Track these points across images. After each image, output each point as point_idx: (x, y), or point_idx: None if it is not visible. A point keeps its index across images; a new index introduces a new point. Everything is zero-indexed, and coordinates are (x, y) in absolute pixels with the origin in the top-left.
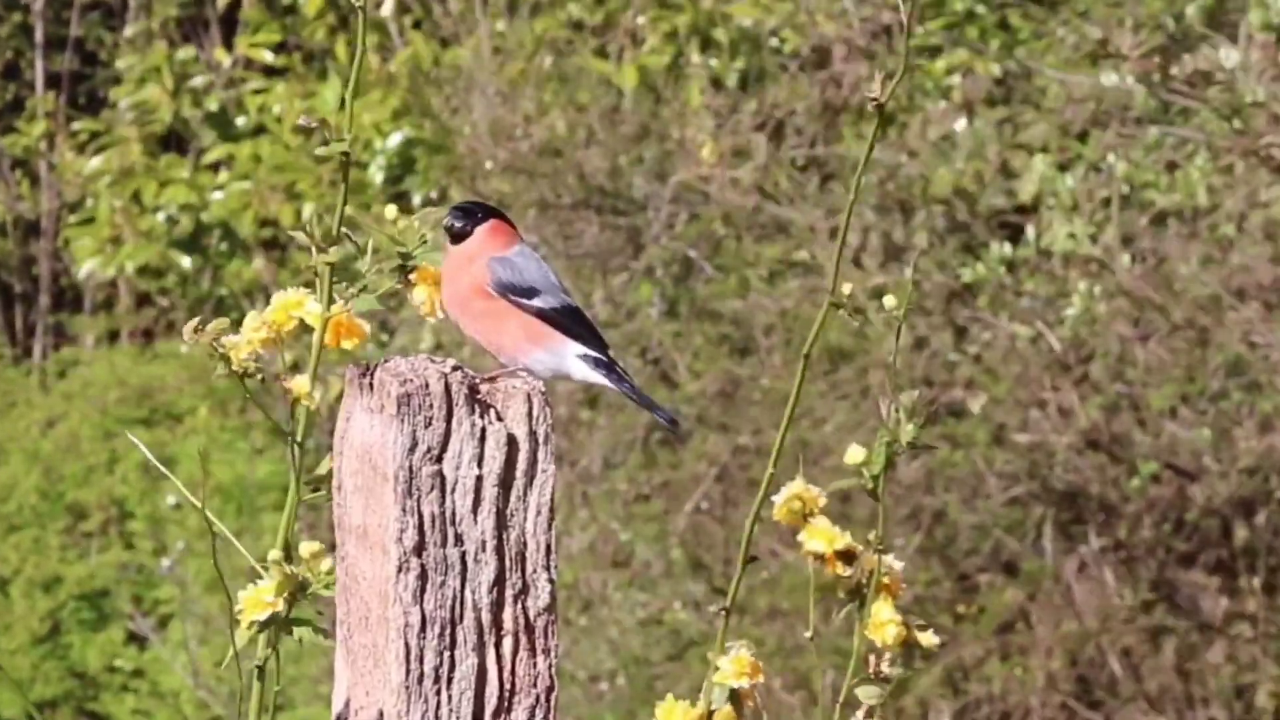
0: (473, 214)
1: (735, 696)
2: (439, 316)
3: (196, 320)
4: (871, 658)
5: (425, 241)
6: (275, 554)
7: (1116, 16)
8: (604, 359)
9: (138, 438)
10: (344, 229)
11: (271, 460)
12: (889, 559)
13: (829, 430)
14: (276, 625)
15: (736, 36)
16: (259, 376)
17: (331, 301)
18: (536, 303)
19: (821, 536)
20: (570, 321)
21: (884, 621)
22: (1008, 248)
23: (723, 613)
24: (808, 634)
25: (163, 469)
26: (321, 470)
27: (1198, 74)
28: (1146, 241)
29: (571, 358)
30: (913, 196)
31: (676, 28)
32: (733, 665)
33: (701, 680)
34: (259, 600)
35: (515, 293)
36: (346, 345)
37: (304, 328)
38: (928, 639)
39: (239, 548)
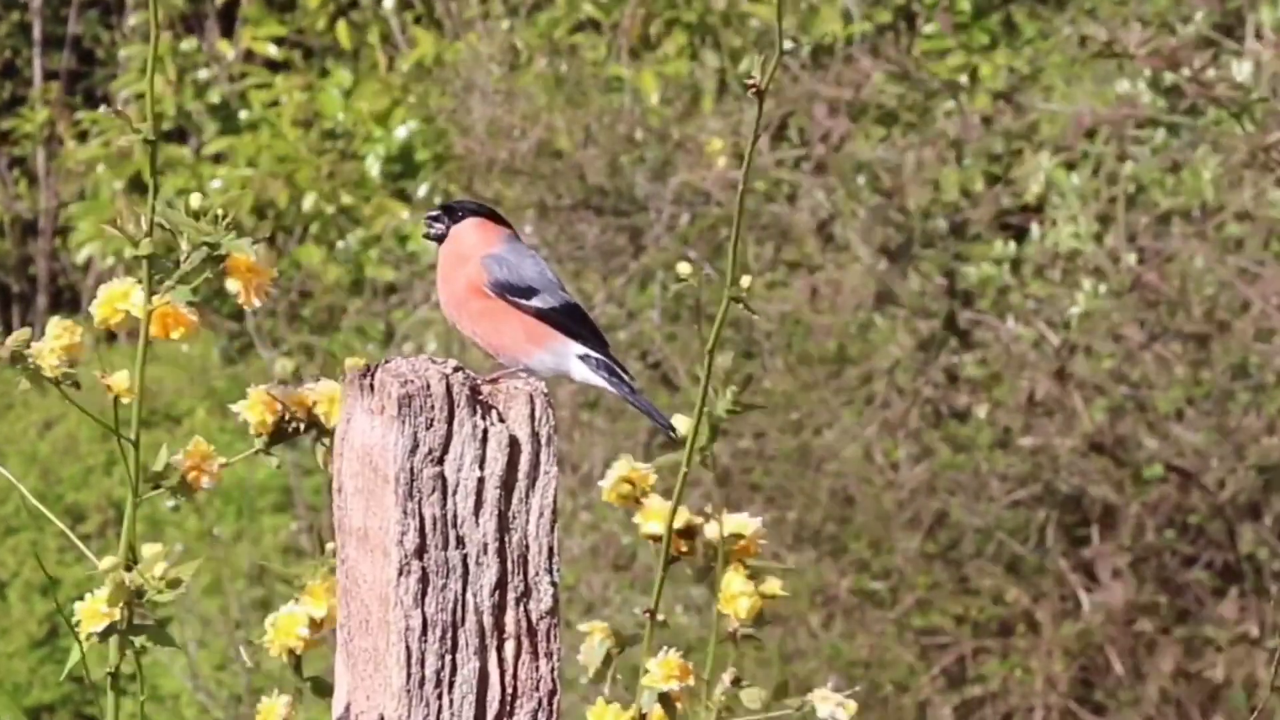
0: (453, 212)
1: (667, 699)
2: (255, 305)
3: None
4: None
5: (234, 230)
6: (109, 561)
7: (1122, 15)
8: (605, 360)
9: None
10: (158, 220)
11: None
12: (740, 519)
13: (828, 436)
14: (120, 634)
15: (753, 37)
16: (71, 382)
17: (154, 293)
18: (535, 302)
19: (657, 517)
20: (571, 320)
21: (735, 594)
22: (1012, 247)
23: (648, 614)
24: (654, 614)
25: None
26: (159, 466)
27: (1210, 75)
28: (1152, 241)
29: (572, 358)
30: (908, 211)
31: (689, 29)
32: (661, 669)
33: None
34: (94, 611)
35: (513, 293)
36: (175, 335)
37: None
38: (773, 588)
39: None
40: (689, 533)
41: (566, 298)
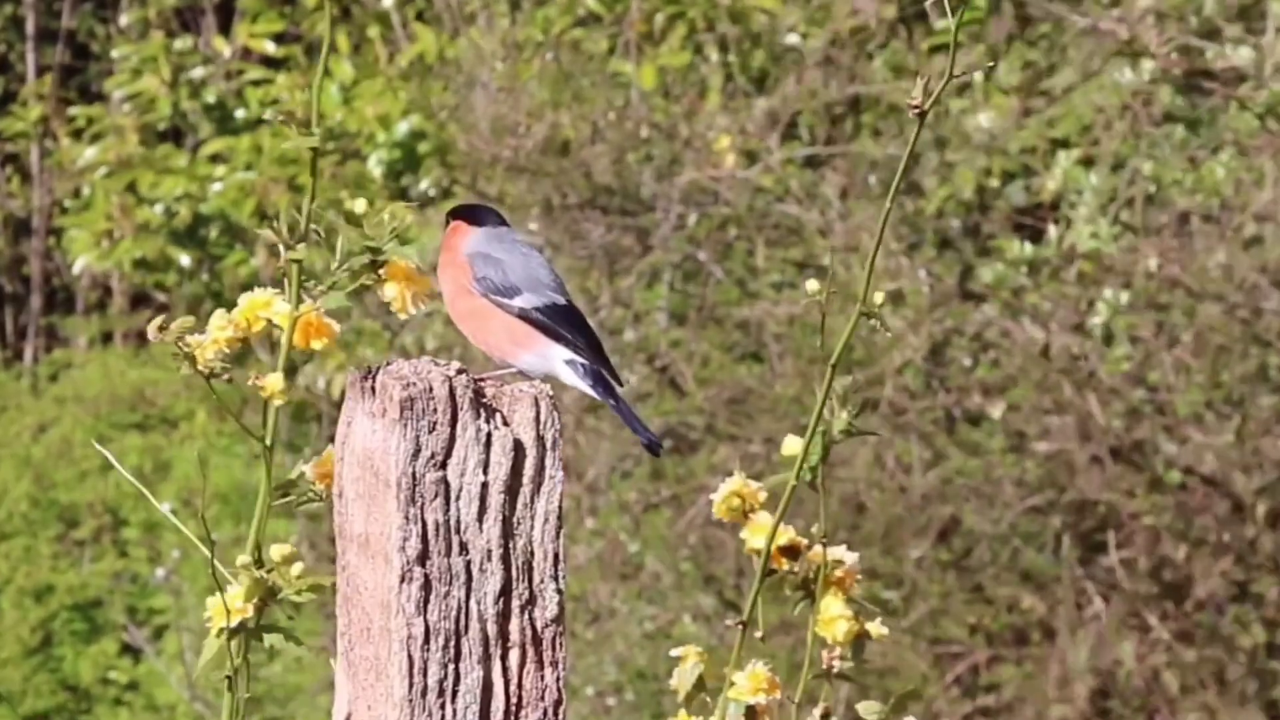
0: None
1: (753, 712)
2: (410, 313)
3: (160, 318)
4: (824, 654)
5: (396, 236)
6: (244, 559)
7: (1141, 10)
8: (592, 365)
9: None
10: (313, 225)
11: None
12: (840, 551)
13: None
14: (246, 633)
15: (756, 29)
16: (225, 377)
17: (300, 301)
18: (518, 302)
19: (763, 533)
20: (556, 322)
21: (834, 617)
22: (1028, 248)
23: (740, 626)
24: (758, 634)
25: (131, 475)
26: (293, 475)
27: (1228, 70)
28: (1172, 240)
29: (559, 362)
30: (921, 211)
31: (694, 24)
32: (749, 681)
33: (714, 695)
34: (228, 607)
35: (497, 292)
36: (316, 345)
37: (275, 328)
38: (876, 629)
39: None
40: (792, 551)
41: (555, 298)
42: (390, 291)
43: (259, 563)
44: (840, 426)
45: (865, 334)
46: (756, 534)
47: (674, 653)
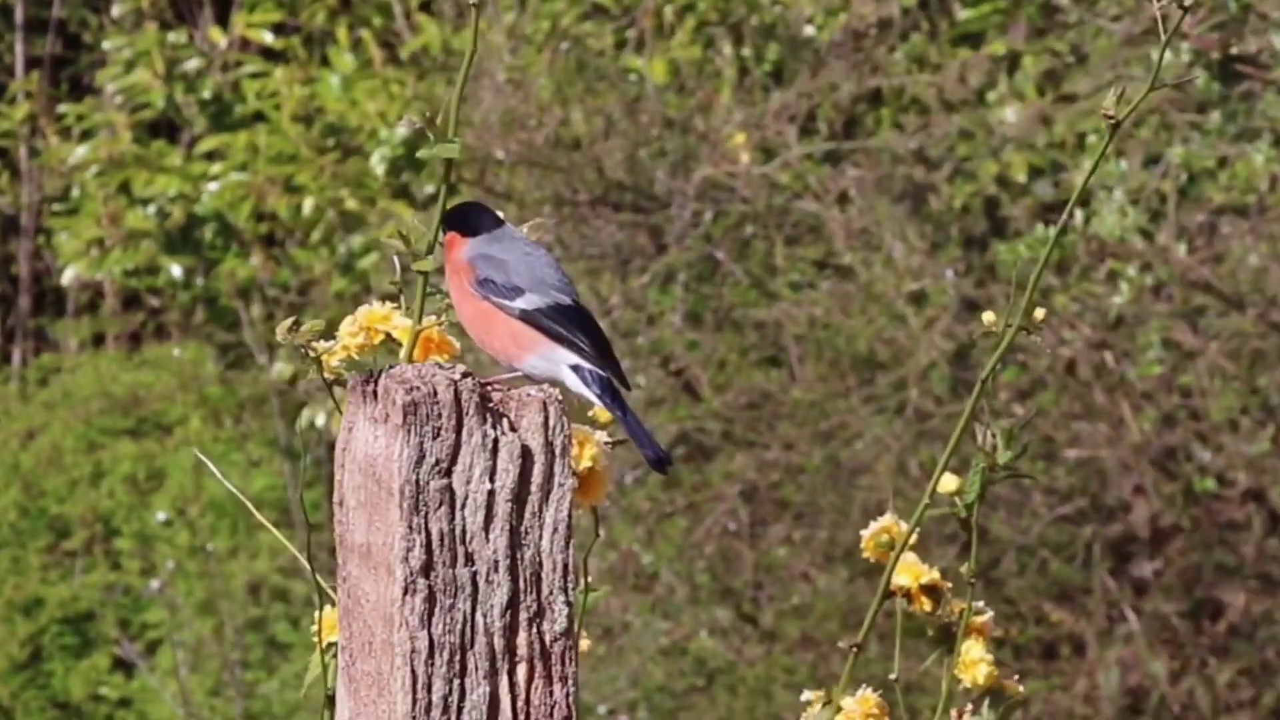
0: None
1: None
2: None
3: (291, 320)
4: (954, 712)
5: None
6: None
7: None
8: (599, 372)
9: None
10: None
11: (268, 474)
12: (979, 605)
13: (860, 447)
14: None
15: (771, 21)
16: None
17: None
18: (520, 304)
19: (908, 572)
20: (561, 324)
21: (975, 660)
22: (1052, 232)
23: (854, 650)
24: (892, 676)
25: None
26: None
27: (1266, 54)
28: (1203, 234)
29: (564, 368)
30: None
31: (705, 16)
32: (859, 705)
33: (728, 712)
34: (335, 622)
35: (499, 294)
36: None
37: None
38: (1014, 687)
39: None
40: (933, 591)
41: (559, 297)
42: None
43: None
44: (1004, 459)
45: (890, 335)
46: (901, 572)
47: (804, 697)
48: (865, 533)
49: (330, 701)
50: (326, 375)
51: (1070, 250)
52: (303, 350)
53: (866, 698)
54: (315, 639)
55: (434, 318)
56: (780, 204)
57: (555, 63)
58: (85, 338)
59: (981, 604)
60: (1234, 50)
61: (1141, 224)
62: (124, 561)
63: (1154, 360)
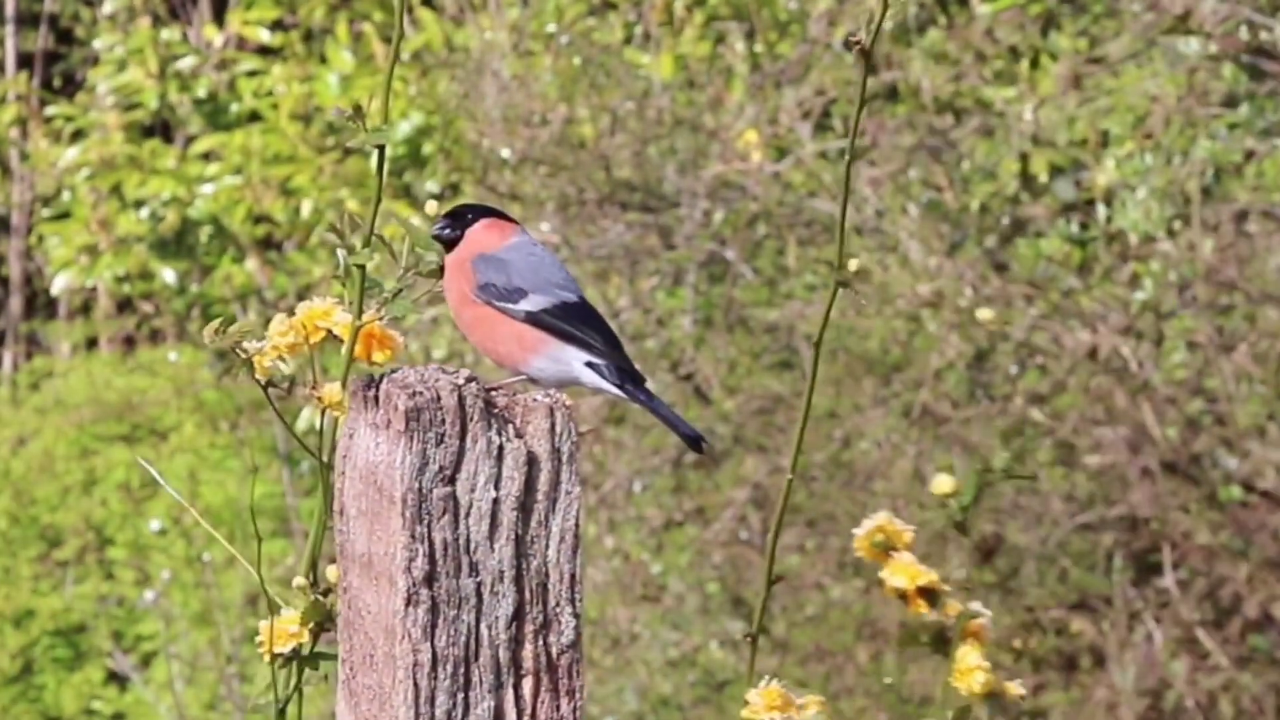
0: (463, 216)
1: None
2: None
3: (219, 321)
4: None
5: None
6: (301, 580)
7: None
8: (616, 365)
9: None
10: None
11: (266, 481)
12: (976, 605)
13: (864, 447)
14: (300, 660)
15: (786, 18)
16: (285, 386)
17: (363, 310)
18: (524, 305)
19: (904, 573)
20: (568, 322)
21: (971, 667)
22: (1075, 228)
23: (748, 639)
24: (887, 680)
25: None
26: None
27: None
28: (1229, 234)
29: (578, 365)
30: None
31: (714, 12)
32: (762, 698)
33: None
34: (283, 631)
35: (501, 297)
36: (378, 358)
37: (331, 339)
38: (1014, 689)
39: None
40: (930, 594)
41: (565, 295)
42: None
43: (314, 584)
44: (1001, 464)
45: (903, 336)
46: (897, 573)
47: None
48: (858, 531)
49: (281, 714)
50: (258, 377)
51: (1092, 251)
52: (233, 351)
53: (770, 690)
54: (262, 651)
55: (373, 311)
56: (793, 202)
57: (559, 58)
58: (78, 341)
59: (978, 605)
60: (1260, 44)
61: (1166, 221)
62: (118, 571)
63: (1179, 364)
